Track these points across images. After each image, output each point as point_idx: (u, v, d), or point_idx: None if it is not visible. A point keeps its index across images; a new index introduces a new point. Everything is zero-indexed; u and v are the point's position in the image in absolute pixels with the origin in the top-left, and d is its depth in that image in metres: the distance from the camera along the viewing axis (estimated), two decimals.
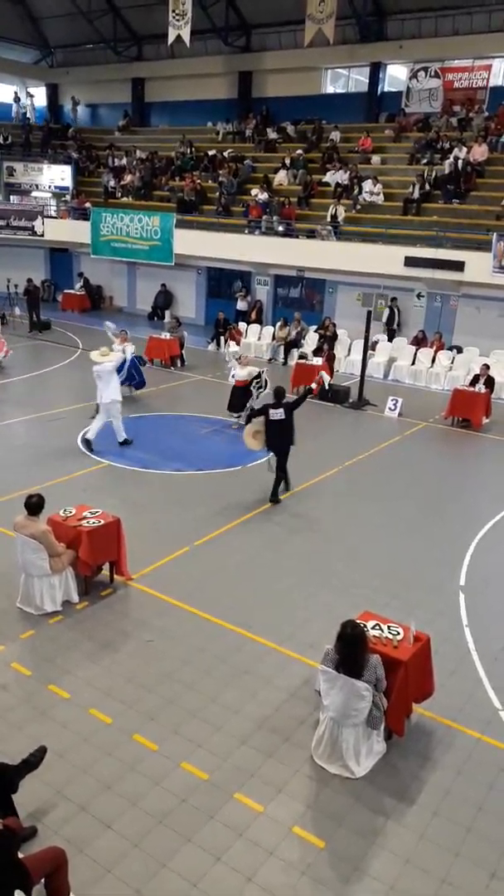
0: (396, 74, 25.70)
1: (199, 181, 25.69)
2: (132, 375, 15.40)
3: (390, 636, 6.08)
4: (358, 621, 5.91)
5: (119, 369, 13.26)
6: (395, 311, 20.52)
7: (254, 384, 14.12)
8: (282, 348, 20.57)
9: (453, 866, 4.92)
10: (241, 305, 23.45)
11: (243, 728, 6.06)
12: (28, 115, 32.21)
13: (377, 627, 6.18)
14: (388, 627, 6.20)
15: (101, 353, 12.58)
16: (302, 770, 5.67)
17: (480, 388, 15.40)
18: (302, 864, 4.87)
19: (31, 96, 33.23)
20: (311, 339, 20.35)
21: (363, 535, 9.92)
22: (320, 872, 4.83)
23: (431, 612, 7.93)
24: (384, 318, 20.55)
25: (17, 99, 32.69)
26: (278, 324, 21.50)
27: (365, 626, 6.02)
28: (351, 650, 5.51)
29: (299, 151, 24.69)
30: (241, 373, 14.13)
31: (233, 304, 23.77)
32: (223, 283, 25.18)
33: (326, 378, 13.20)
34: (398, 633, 6.12)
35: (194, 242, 23.54)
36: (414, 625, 6.25)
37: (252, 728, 6.07)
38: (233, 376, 14.22)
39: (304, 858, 4.92)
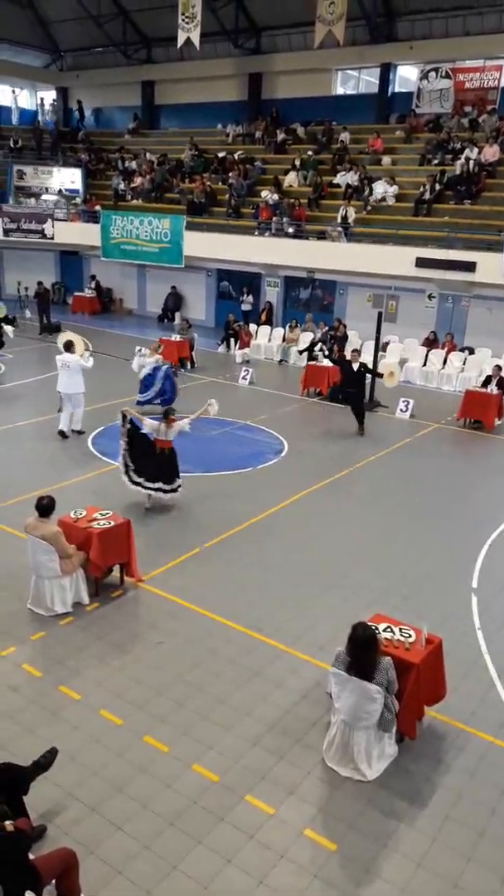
0: (407, 75, 25.64)
1: (209, 183, 25.72)
2: (163, 390, 14.61)
3: (402, 638, 6.05)
4: (369, 623, 5.88)
5: (149, 383, 14.44)
6: None
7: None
8: (291, 349, 20.57)
9: (465, 870, 4.88)
10: (246, 307, 23.51)
11: (254, 730, 6.04)
12: (40, 117, 32.54)
13: (389, 630, 6.15)
14: (400, 630, 6.17)
15: (79, 354, 13.28)
16: (313, 772, 5.64)
17: (493, 389, 15.31)
18: (313, 867, 4.85)
19: (41, 98, 33.57)
20: (305, 339, 20.34)
21: (375, 537, 9.88)
22: (332, 875, 4.80)
23: (443, 614, 7.88)
24: None
25: (43, 105, 33.19)
26: (288, 325, 21.50)
27: (376, 628, 5.99)
28: (362, 652, 5.48)
29: (309, 153, 24.67)
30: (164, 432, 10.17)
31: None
32: (234, 285, 25.21)
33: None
34: (410, 636, 6.09)
35: (204, 244, 23.57)
36: (426, 627, 6.21)
37: (263, 730, 6.05)
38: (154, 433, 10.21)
39: (315, 861, 4.90)
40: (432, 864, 4.92)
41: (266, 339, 21.84)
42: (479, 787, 5.59)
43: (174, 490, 10.24)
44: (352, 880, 4.78)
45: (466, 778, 5.67)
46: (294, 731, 6.06)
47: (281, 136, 26.59)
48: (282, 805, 5.32)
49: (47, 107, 33.68)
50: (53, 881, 4.31)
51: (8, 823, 4.12)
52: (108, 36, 29.58)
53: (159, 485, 10.10)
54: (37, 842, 4.82)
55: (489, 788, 5.57)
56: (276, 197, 23.35)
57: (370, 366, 15.19)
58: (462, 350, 19.32)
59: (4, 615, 7.56)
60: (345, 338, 19.91)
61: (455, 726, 6.22)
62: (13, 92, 32.74)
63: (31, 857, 4.25)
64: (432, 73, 24.38)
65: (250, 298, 23.74)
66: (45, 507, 7.40)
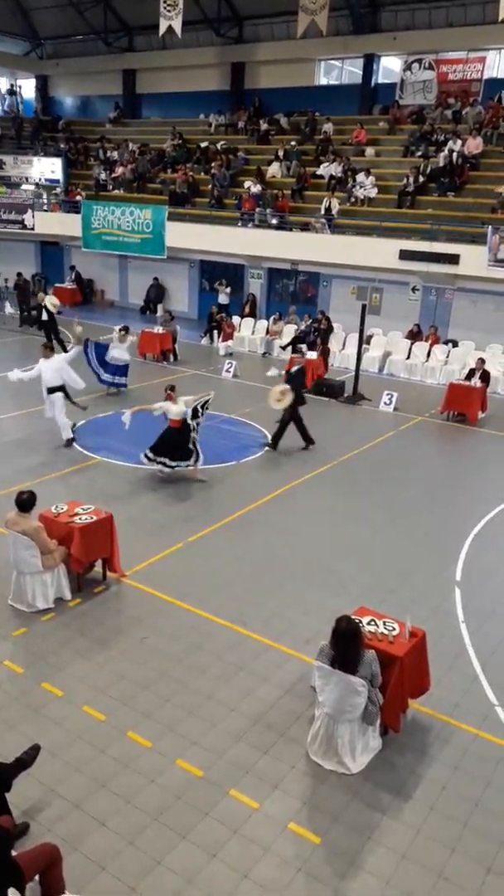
0: (390, 66, 25.54)
1: (191, 173, 25.53)
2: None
3: (386, 632, 6.06)
4: (353, 617, 5.88)
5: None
6: None
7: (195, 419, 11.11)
8: (274, 342, 20.52)
9: (450, 862, 4.90)
10: (223, 299, 23.05)
11: (238, 725, 6.03)
12: (13, 106, 32.13)
13: (373, 623, 6.15)
14: (384, 623, 6.18)
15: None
16: (297, 766, 5.64)
17: (476, 382, 15.39)
18: (298, 861, 4.85)
19: (20, 87, 33.10)
20: (289, 332, 20.27)
21: (358, 531, 9.89)
22: (316, 868, 4.81)
23: (427, 607, 7.91)
24: None
25: (11, 92, 32.59)
26: (272, 318, 21.42)
27: (360, 621, 5.99)
28: (346, 646, 5.48)
29: (293, 143, 24.56)
30: (174, 409, 11.01)
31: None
32: (217, 276, 25.04)
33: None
34: (394, 629, 6.10)
35: (186, 235, 23.38)
36: (409, 620, 6.22)
37: (247, 725, 6.04)
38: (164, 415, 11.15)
39: (299, 854, 4.90)
40: (417, 855, 4.94)
41: (250, 331, 21.76)
42: (463, 778, 5.62)
43: (190, 463, 11.13)
44: (337, 873, 4.78)
45: (450, 770, 5.69)
46: (278, 725, 6.06)
47: (264, 126, 26.44)
48: (266, 799, 5.32)
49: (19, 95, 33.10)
50: (37, 877, 4.28)
51: None
52: (88, 24, 29.22)
53: (177, 462, 11.04)
54: (20, 839, 4.79)
55: (473, 780, 5.60)
56: (259, 188, 23.23)
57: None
58: (446, 343, 19.36)
59: None
60: (329, 330, 19.90)
61: (439, 719, 6.24)
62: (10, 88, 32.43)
63: (13, 853, 4.21)
64: (415, 65, 24.31)
65: (228, 290, 23.30)
66: (25, 502, 7.32)
